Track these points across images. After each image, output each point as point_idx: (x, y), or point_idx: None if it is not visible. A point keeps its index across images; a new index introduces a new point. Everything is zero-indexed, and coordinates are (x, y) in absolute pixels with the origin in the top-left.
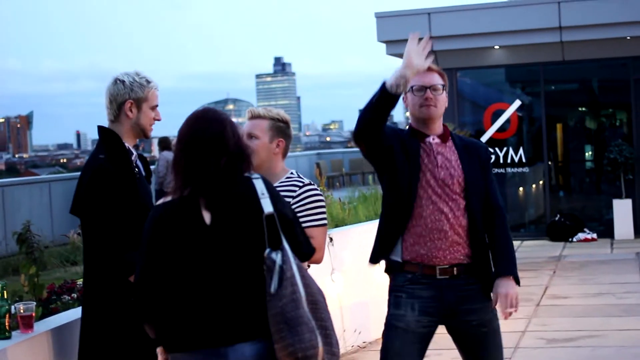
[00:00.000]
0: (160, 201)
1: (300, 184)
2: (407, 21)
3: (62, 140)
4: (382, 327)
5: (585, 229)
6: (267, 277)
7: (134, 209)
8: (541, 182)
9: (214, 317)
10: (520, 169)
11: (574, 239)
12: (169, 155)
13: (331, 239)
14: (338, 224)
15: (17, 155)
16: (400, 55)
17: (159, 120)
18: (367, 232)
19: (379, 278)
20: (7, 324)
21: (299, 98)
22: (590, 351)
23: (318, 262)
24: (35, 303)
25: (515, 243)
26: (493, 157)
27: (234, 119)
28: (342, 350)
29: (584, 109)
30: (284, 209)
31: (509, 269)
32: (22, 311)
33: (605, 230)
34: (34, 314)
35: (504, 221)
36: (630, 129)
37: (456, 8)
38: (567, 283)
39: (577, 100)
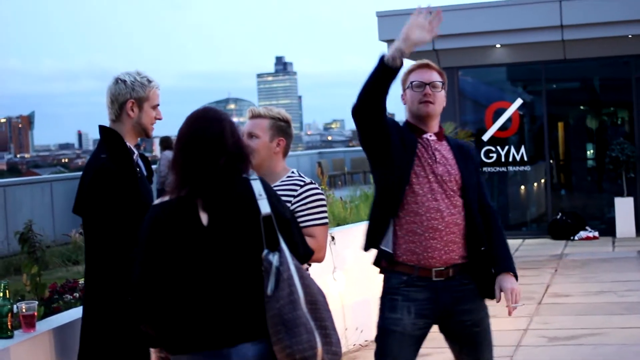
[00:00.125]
0: (157, 201)
1: (302, 183)
2: (408, 20)
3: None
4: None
5: (587, 227)
6: (265, 279)
7: (135, 208)
8: (543, 181)
9: (215, 318)
10: (521, 168)
11: (576, 238)
12: (170, 154)
13: (333, 238)
14: (340, 222)
15: (18, 155)
16: None
17: (160, 119)
18: None
19: (380, 276)
20: (9, 323)
21: (300, 97)
22: (591, 349)
23: (320, 261)
24: (37, 302)
25: (517, 241)
26: (495, 155)
27: (235, 119)
28: (343, 349)
29: (585, 107)
30: (282, 210)
31: (510, 266)
32: (24, 310)
33: (607, 228)
34: (36, 314)
35: (498, 221)
36: (631, 127)
37: (458, 7)
38: (568, 281)
39: (578, 99)
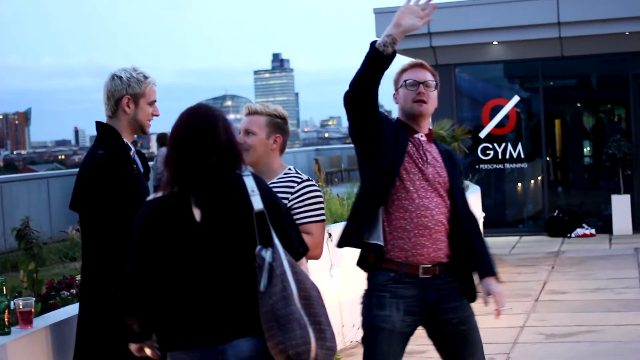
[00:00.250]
0: (150, 197)
1: (299, 180)
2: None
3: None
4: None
5: (584, 225)
6: (258, 275)
7: (132, 204)
8: (540, 178)
9: (210, 314)
10: (518, 165)
11: (573, 235)
12: None
13: (330, 235)
14: (337, 219)
15: (15, 152)
16: (400, 51)
17: (157, 115)
18: None
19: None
20: (6, 319)
21: (297, 94)
22: (588, 346)
23: (317, 258)
24: (34, 299)
25: (514, 239)
26: (492, 152)
27: (231, 116)
28: (341, 346)
29: (582, 104)
30: (275, 205)
31: (493, 269)
32: (21, 307)
33: (604, 225)
34: (33, 310)
35: (478, 225)
36: (628, 124)
37: (455, 4)
38: (565, 278)
39: (575, 96)
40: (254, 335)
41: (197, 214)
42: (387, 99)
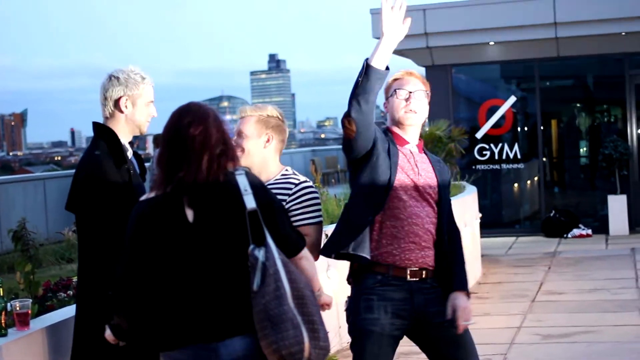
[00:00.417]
0: (143, 197)
1: (296, 182)
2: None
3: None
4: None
5: (580, 225)
6: (251, 274)
7: (129, 206)
8: (536, 178)
9: (203, 313)
10: (515, 165)
11: (569, 235)
12: None
13: (327, 236)
14: (333, 220)
15: (11, 153)
16: (396, 52)
17: (154, 116)
18: None
19: None
20: (3, 321)
21: (293, 95)
22: (585, 347)
23: (315, 259)
24: (31, 300)
25: (510, 239)
26: (488, 153)
27: (228, 116)
28: (337, 347)
29: (579, 105)
30: (269, 201)
31: (465, 285)
32: (18, 308)
33: (600, 226)
34: (29, 312)
35: (460, 239)
36: (625, 125)
37: (451, 4)
38: (562, 279)
39: (572, 97)
40: (247, 335)
41: (189, 214)
42: (381, 101)
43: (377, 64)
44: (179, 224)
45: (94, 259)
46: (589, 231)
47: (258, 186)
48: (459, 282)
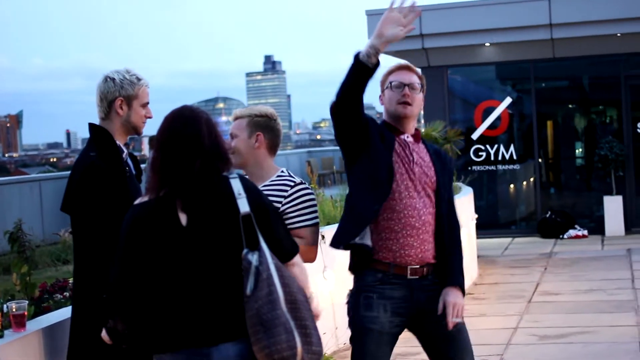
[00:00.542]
0: (137, 200)
1: (292, 184)
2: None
3: (52, 139)
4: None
5: (576, 226)
6: (244, 279)
7: (124, 207)
8: (532, 179)
9: (196, 317)
10: (511, 166)
11: (565, 236)
12: None
13: (323, 237)
14: (330, 221)
15: (6, 155)
16: (392, 53)
17: (150, 117)
18: None
19: None
20: None
21: (289, 96)
22: (581, 347)
23: (311, 261)
24: (27, 302)
25: (506, 240)
26: (484, 154)
27: (223, 118)
28: (334, 348)
29: (574, 106)
30: (263, 204)
31: (459, 280)
32: (14, 310)
33: (596, 227)
34: (26, 313)
35: (459, 233)
36: (620, 125)
37: (447, 5)
38: (558, 280)
39: (567, 98)
40: (240, 340)
41: (183, 218)
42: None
43: (364, 57)
44: (173, 228)
45: (89, 260)
46: (585, 232)
47: (252, 190)
48: (453, 277)
